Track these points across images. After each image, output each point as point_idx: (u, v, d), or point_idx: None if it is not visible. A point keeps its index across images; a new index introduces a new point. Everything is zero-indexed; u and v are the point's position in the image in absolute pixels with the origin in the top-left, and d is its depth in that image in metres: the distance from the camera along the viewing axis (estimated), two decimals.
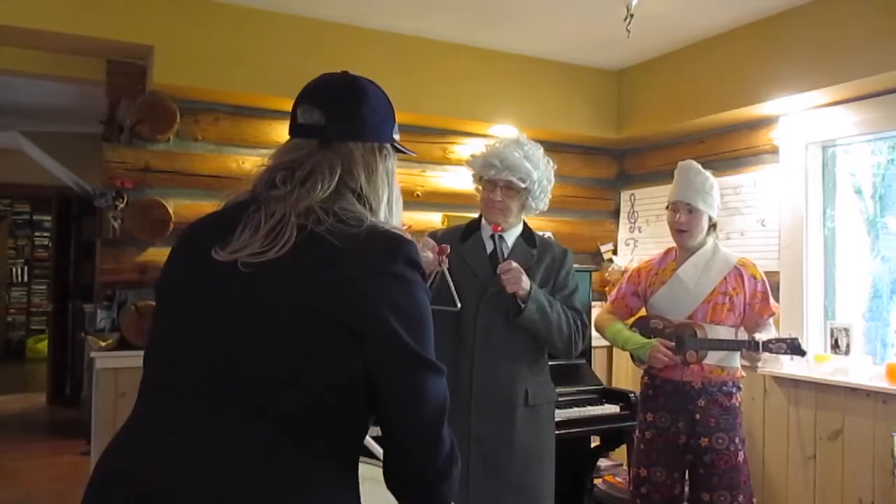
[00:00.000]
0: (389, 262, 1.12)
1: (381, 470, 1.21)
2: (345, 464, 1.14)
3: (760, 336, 2.64)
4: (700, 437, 2.67)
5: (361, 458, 1.40)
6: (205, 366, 1.10)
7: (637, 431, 2.87)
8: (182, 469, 1.03)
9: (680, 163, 2.86)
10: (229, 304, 1.11)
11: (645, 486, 2.76)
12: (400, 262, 1.13)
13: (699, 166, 2.81)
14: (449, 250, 2.19)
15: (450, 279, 2.18)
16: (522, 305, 2.24)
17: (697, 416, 2.68)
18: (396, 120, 1.32)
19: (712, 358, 2.69)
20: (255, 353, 1.08)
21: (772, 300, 2.78)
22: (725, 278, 2.74)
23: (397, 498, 1.17)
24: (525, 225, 2.48)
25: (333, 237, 1.10)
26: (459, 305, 2.18)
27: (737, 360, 2.76)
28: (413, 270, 1.14)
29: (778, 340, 2.61)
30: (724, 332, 2.70)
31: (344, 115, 1.24)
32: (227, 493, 1.01)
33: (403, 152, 1.34)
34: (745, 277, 2.75)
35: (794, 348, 2.57)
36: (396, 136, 1.32)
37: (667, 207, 2.84)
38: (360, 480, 1.19)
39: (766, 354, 2.62)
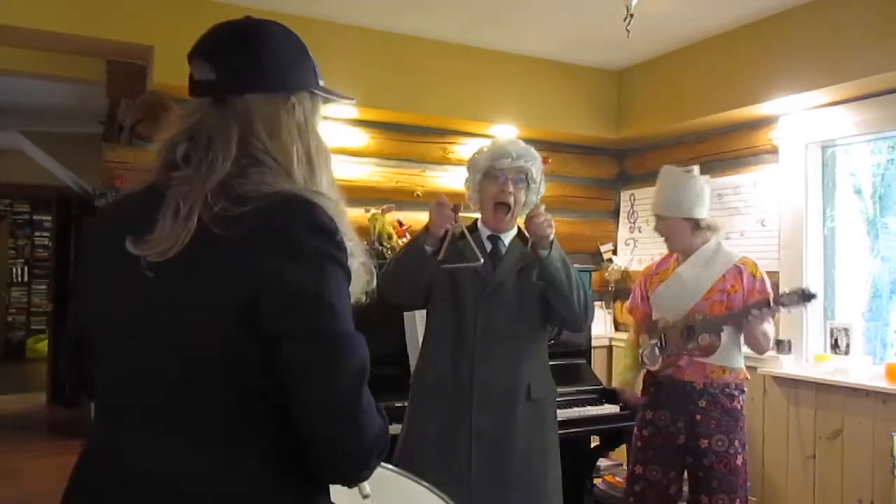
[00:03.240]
0: (285, 239, 0.98)
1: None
2: (266, 466, 1.01)
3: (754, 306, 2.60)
4: (700, 439, 2.65)
5: None
6: (115, 367, 1.07)
7: (635, 429, 2.86)
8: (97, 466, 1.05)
9: (663, 168, 2.87)
10: (132, 308, 1.04)
11: (639, 483, 2.76)
12: (299, 235, 0.99)
13: (670, 170, 2.82)
14: (462, 207, 2.19)
15: (468, 234, 2.19)
16: (546, 252, 2.20)
17: (698, 417, 2.66)
18: (316, 65, 1.18)
19: (714, 358, 2.67)
20: (149, 357, 1.02)
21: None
22: (724, 276, 2.72)
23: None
24: (519, 227, 2.48)
25: (222, 225, 0.98)
26: (482, 261, 2.18)
27: (740, 361, 2.73)
28: (317, 237, 1.00)
29: (789, 293, 2.55)
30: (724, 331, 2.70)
31: (235, 64, 1.10)
32: (118, 490, 1.00)
33: (333, 99, 1.20)
34: (745, 275, 2.73)
35: (806, 296, 2.52)
36: (321, 82, 1.17)
37: None
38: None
39: (781, 310, 2.56)
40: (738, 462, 2.64)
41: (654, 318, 2.85)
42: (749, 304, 2.61)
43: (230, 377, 0.99)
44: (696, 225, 2.75)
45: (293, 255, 0.98)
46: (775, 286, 3.64)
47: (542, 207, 2.26)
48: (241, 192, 1.00)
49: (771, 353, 3.59)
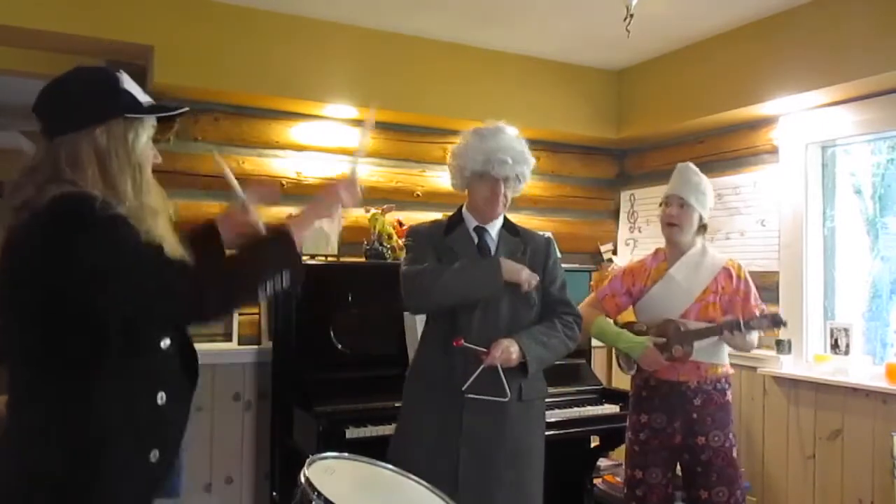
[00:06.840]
0: (48, 234, 1.28)
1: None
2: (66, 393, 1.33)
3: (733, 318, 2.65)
4: (697, 437, 2.68)
5: (353, 458, 1.41)
6: None
7: (629, 433, 2.86)
8: None
9: (679, 164, 2.88)
10: None
11: (641, 488, 2.77)
12: (53, 228, 1.28)
13: (697, 169, 2.84)
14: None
15: (501, 371, 2.19)
16: (524, 360, 2.25)
17: (694, 416, 2.69)
18: (132, 91, 1.43)
19: (705, 355, 2.69)
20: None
21: (755, 301, 2.78)
22: (716, 278, 2.76)
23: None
24: (504, 216, 2.47)
25: (13, 232, 1.32)
26: (510, 395, 2.21)
27: (726, 355, 2.78)
28: (65, 222, 1.28)
29: (760, 317, 2.63)
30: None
31: (47, 113, 1.41)
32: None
33: (163, 115, 1.47)
34: (733, 277, 2.79)
35: (776, 321, 2.60)
36: (143, 103, 1.43)
37: (660, 205, 2.87)
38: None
39: (752, 334, 2.66)
40: (734, 454, 2.70)
41: (633, 323, 2.87)
42: (722, 323, 2.65)
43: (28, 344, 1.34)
44: (703, 226, 2.83)
45: (56, 245, 1.27)
46: (775, 286, 3.66)
47: (496, 349, 2.21)
48: (31, 209, 1.30)
49: (771, 353, 3.60)
